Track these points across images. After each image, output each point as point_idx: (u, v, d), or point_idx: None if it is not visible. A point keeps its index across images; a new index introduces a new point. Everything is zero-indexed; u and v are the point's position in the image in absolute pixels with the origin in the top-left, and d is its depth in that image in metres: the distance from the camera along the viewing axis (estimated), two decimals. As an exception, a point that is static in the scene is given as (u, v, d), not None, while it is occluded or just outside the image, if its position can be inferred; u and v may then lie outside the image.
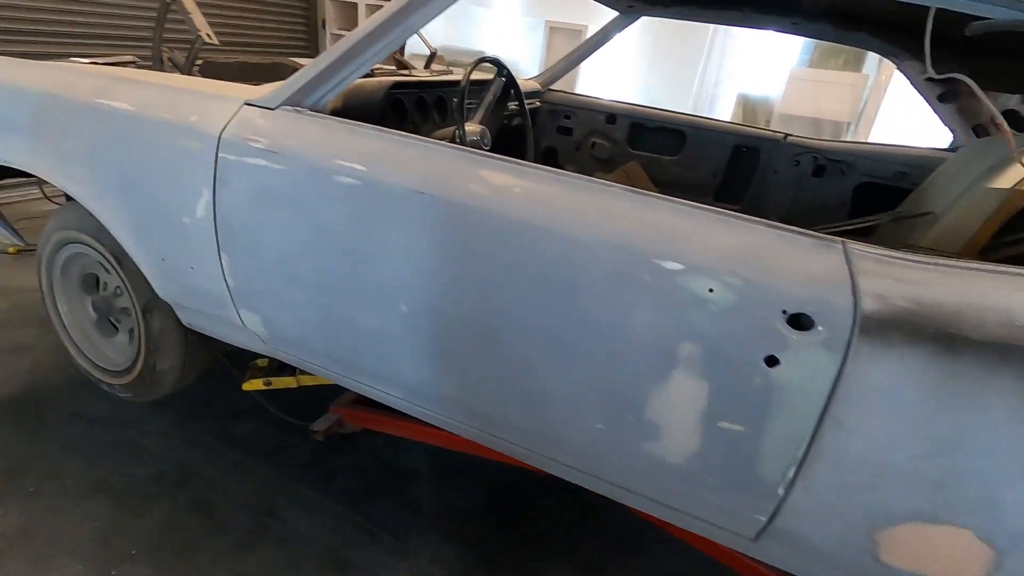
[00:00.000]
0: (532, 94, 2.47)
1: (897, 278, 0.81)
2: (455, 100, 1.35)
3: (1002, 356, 0.74)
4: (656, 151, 2.45)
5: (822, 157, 2.14)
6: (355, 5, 5.03)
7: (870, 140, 3.38)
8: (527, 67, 4.44)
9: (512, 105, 2.18)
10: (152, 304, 1.58)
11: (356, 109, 1.35)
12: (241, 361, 1.86)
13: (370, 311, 1.16)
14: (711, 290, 0.87)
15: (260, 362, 1.85)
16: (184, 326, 1.62)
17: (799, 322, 0.84)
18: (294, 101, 1.21)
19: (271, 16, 5.04)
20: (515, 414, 1.13)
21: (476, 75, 1.57)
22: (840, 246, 0.85)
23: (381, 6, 4.94)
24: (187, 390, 1.97)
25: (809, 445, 0.88)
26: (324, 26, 5.30)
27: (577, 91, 2.71)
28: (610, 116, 2.46)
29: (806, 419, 0.86)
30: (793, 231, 0.88)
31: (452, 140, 1.48)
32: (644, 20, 2.21)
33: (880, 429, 0.83)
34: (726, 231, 0.89)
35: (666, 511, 1.12)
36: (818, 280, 0.83)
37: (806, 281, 0.83)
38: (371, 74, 1.65)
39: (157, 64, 1.68)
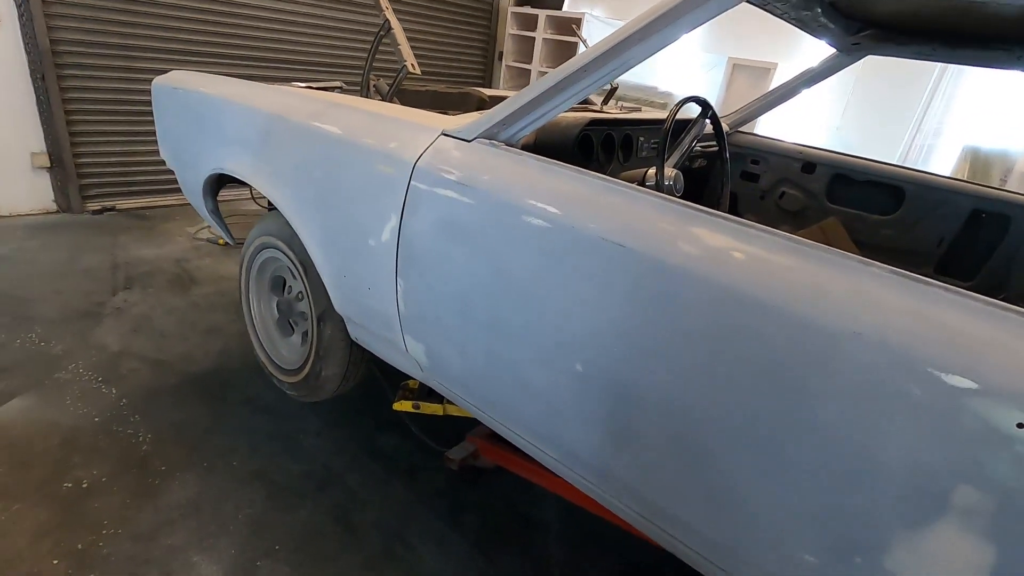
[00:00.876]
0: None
1: None
2: (651, 140, 1.23)
3: None
4: (862, 208, 2.10)
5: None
6: (532, 40, 5.20)
7: None
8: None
9: (699, 146, 2.01)
10: (327, 314, 1.66)
11: (547, 144, 1.28)
12: (394, 379, 1.90)
13: (542, 364, 1.06)
14: (1020, 425, 0.63)
15: (411, 383, 1.87)
16: (351, 339, 1.68)
17: None
18: (491, 134, 1.17)
19: (455, 48, 5.40)
20: (695, 515, 0.95)
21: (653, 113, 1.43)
22: None
23: (557, 40, 5.08)
24: (342, 396, 2.06)
25: None
26: (501, 58, 5.55)
27: (759, 132, 2.44)
28: (807, 164, 2.16)
29: None
30: None
31: (642, 182, 1.36)
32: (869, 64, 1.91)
33: None
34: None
35: None
36: None
37: None
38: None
39: (364, 90, 1.80)
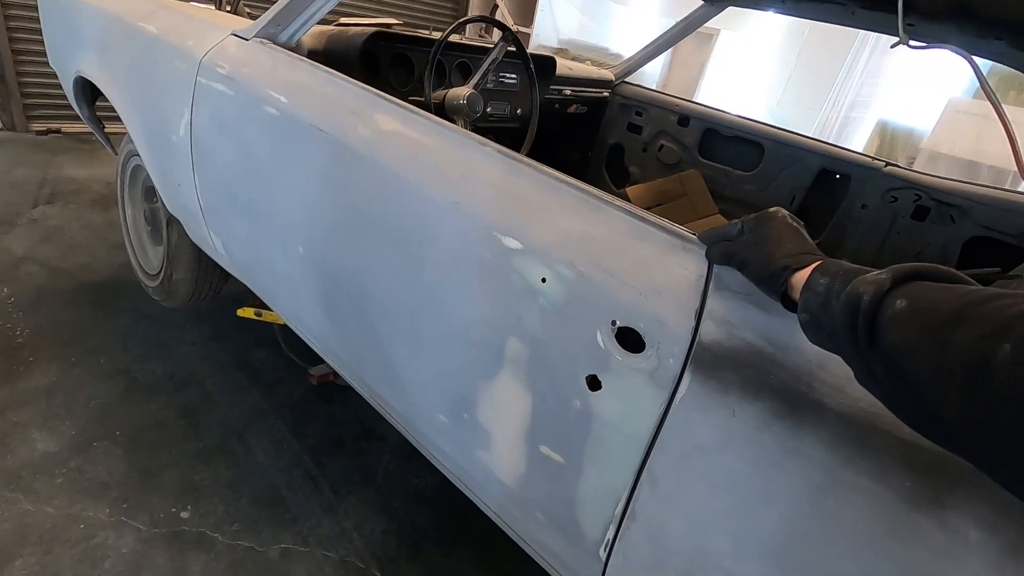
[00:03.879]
0: (602, 83, 2.29)
1: (758, 301, 0.58)
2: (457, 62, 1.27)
3: (862, 440, 0.50)
4: (729, 163, 2.14)
5: (927, 197, 1.71)
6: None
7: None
8: (651, 68, 4.18)
9: (570, 91, 2.03)
10: (172, 218, 1.74)
11: (335, 52, 1.34)
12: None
13: (280, 249, 1.15)
14: (544, 280, 0.71)
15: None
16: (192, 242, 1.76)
17: (629, 340, 0.64)
18: (267, 34, 1.23)
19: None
20: (385, 389, 1.04)
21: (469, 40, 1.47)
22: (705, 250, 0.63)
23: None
24: (229, 310, 2.15)
25: (627, 504, 0.68)
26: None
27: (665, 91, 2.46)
28: (683, 117, 2.19)
29: (624, 469, 0.67)
30: (657, 223, 0.67)
31: (441, 105, 1.41)
32: (791, 30, 1.93)
33: (698, 504, 0.61)
34: (581, 213, 0.72)
35: (518, 539, 0.96)
36: (663, 290, 0.63)
37: (649, 289, 0.64)
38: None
39: (218, 4, 1.84)
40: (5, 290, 2.21)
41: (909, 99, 2.90)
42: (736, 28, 3.74)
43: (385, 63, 1.44)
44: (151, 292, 2.07)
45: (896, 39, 0.87)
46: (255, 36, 1.23)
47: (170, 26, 1.40)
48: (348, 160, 0.94)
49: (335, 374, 1.97)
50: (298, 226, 1.07)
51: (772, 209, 0.59)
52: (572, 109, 2.16)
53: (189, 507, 1.50)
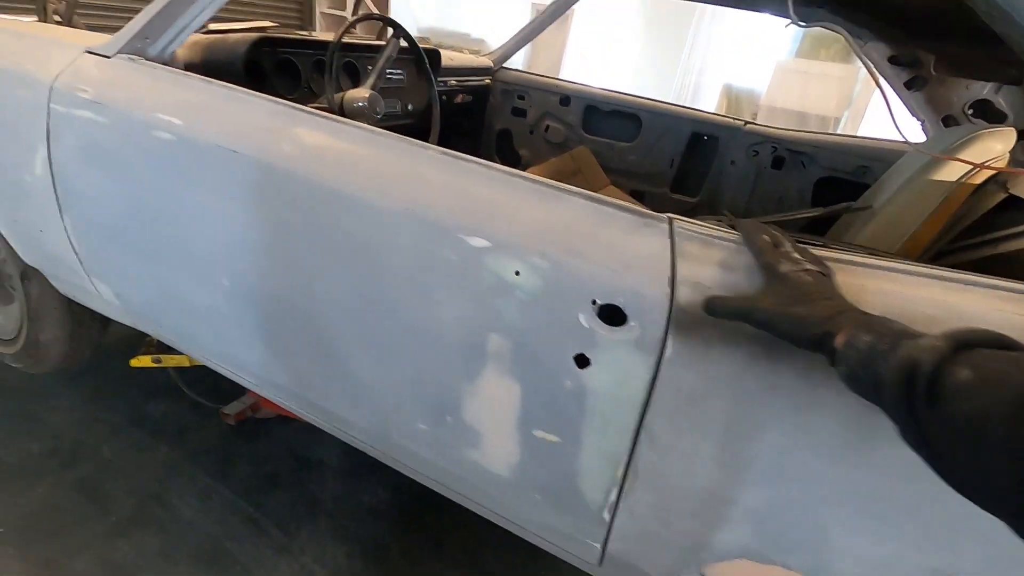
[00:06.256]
0: (483, 71, 2.32)
1: (721, 262, 0.66)
2: (369, 68, 1.21)
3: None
4: (611, 136, 2.29)
5: (781, 148, 1.97)
6: (346, -17, 4.92)
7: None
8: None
9: (456, 82, 2.04)
10: (29, 270, 1.49)
11: (214, 63, 1.23)
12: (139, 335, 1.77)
13: (198, 285, 1.05)
14: (517, 273, 0.73)
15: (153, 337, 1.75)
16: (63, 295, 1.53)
17: (611, 315, 0.69)
18: (133, 49, 1.09)
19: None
20: (345, 409, 1.00)
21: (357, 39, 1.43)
22: (666, 225, 0.70)
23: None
24: (106, 364, 1.89)
25: (628, 464, 0.74)
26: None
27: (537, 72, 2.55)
28: (564, 98, 2.30)
29: (622, 433, 0.72)
30: (615, 205, 0.73)
31: (340, 107, 1.36)
32: (638, 6, 2.05)
33: (696, 448, 0.68)
34: (541, 204, 0.75)
35: (513, 527, 0.99)
36: (634, 265, 0.69)
37: (621, 266, 0.69)
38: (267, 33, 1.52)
39: (40, 15, 1.59)
40: None
41: (744, 62, 3.30)
42: (589, 6, 3.95)
43: (269, 70, 1.34)
44: (8, 360, 1.77)
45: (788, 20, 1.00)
46: (119, 52, 1.08)
47: (-4, 47, 1.19)
48: (274, 180, 0.88)
49: (253, 408, 1.84)
50: (220, 257, 0.98)
51: (769, 256, 0.60)
52: (459, 99, 2.16)
53: (119, 590, 1.34)
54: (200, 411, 1.83)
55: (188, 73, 1.02)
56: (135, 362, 1.70)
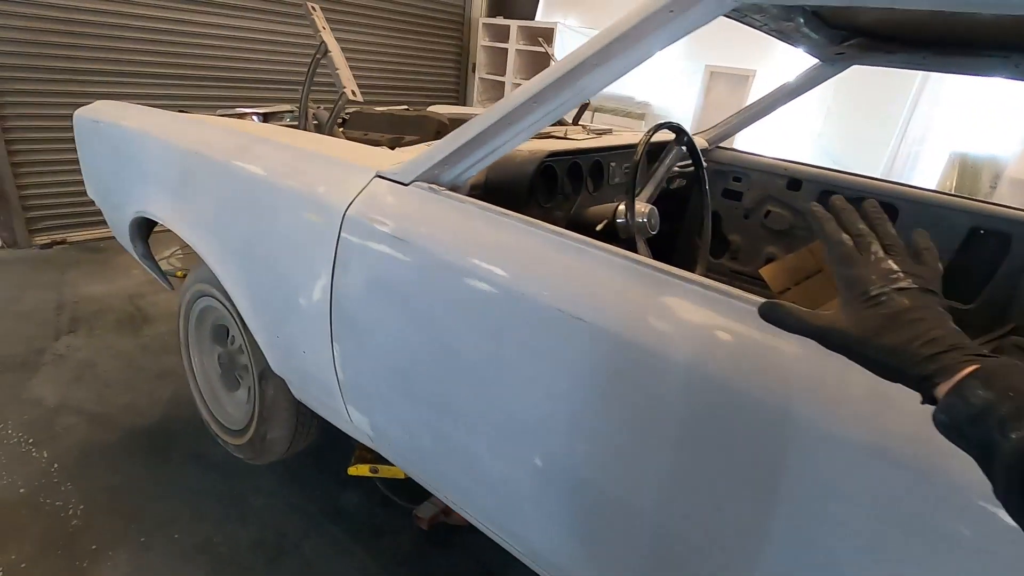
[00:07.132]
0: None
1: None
2: (623, 165, 1.07)
3: None
4: (854, 227, 1.95)
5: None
6: (505, 51, 5.05)
7: None
8: (681, 116, 4.07)
9: (676, 167, 1.85)
10: (268, 373, 1.48)
11: (501, 183, 1.11)
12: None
13: (496, 454, 0.89)
14: None
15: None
16: (295, 399, 1.49)
17: None
18: (431, 176, 1.00)
19: (426, 61, 5.22)
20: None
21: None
22: None
23: (530, 51, 4.93)
24: (301, 449, 1.89)
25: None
26: (474, 70, 5.40)
27: (739, 148, 2.30)
28: (793, 181, 2.01)
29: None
30: None
31: (611, 221, 1.20)
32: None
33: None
34: None
35: None
36: None
37: None
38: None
39: (302, 121, 1.63)
40: (46, 454, 1.91)
41: (979, 127, 2.80)
42: (768, 65, 3.66)
43: (539, 184, 1.22)
44: (232, 450, 1.78)
45: None
46: (415, 180, 1.00)
47: (280, 165, 1.17)
48: (636, 362, 0.70)
49: (445, 512, 1.71)
50: (534, 432, 0.82)
51: (854, 266, 0.50)
52: (676, 185, 1.97)
53: None
54: (390, 508, 1.77)
55: (506, 211, 0.89)
56: (353, 471, 1.64)
